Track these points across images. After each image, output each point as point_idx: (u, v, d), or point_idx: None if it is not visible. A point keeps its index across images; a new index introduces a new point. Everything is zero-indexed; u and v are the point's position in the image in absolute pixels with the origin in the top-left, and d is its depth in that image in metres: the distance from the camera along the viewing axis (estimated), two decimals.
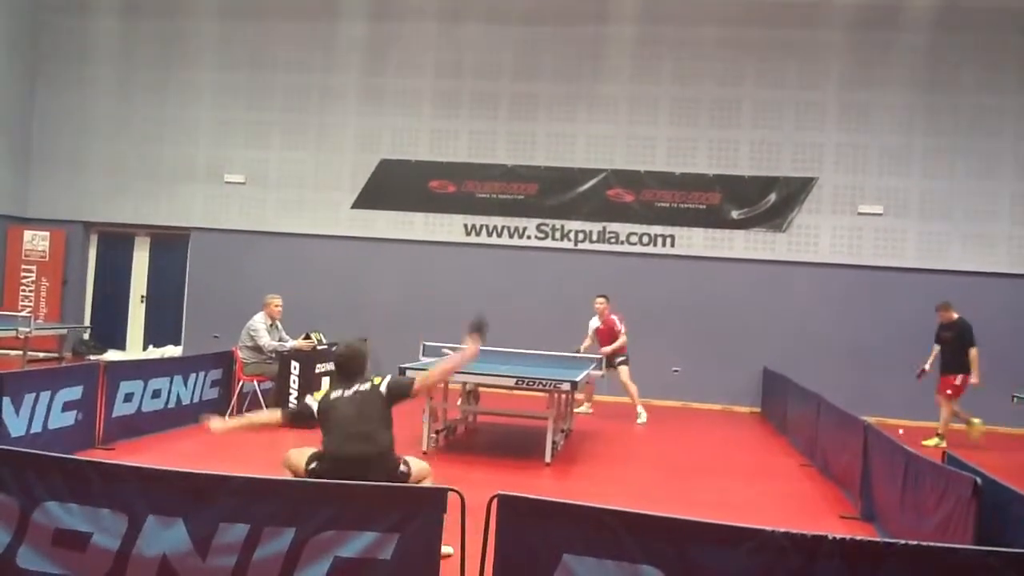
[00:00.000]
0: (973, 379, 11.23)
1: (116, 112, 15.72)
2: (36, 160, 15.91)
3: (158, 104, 15.61)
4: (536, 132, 14.69)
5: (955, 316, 11.51)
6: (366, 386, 5.49)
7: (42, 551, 4.04)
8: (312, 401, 5.60)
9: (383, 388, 5.46)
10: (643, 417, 11.95)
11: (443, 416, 9.55)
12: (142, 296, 16.09)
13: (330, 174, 15.13)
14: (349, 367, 5.63)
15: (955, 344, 11.32)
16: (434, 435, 8.95)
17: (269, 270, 14.68)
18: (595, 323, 12.29)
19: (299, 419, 5.70)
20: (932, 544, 3.73)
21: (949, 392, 11.38)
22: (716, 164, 14.27)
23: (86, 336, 15.48)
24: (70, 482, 4.08)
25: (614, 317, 12.13)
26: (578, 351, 11.88)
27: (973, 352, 11.23)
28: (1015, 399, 11.21)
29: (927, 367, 11.56)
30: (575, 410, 11.57)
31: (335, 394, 5.49)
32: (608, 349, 11.89)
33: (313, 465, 5.29)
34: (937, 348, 11.57)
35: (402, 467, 5.37)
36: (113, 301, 16.10)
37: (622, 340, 12.01)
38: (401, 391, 5.52)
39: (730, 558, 3.54)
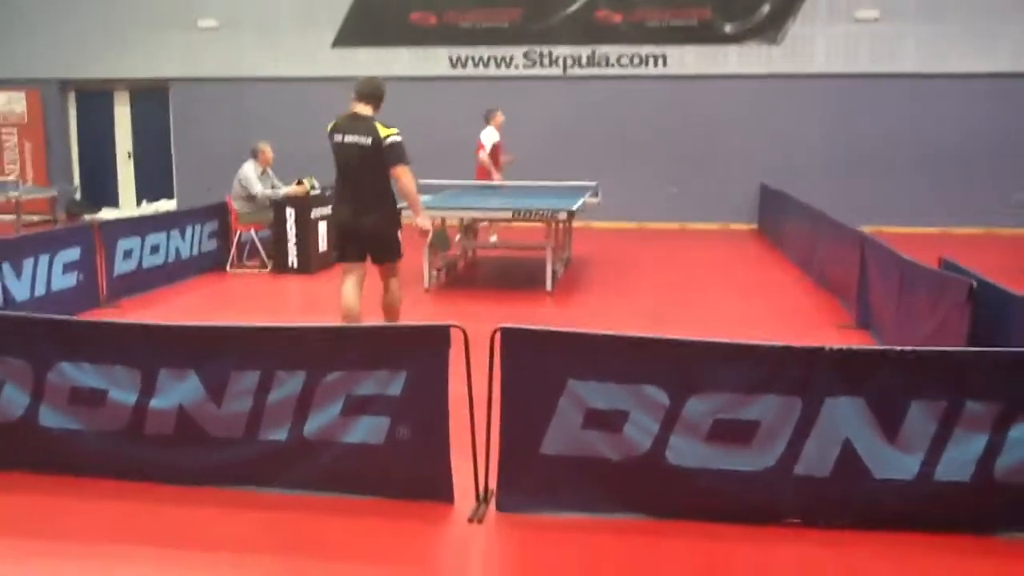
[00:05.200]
0: None
1: None
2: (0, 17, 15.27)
3: None
4: None
5: None
6: (367, 141, 5.66)
7: (61, 409, 4.15)
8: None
9: (385, 145, 5.63)
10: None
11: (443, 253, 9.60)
12: (128, 152, 15.83)
13: (307, 11, 14.54)
14: (358, 91, 5.85)
15: None
16: (435, 272, 9.02)
17: (254, 117, 14.39)
18: (496, 136, 11.24)
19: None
20: (927, 348, 3.82)
21: None
22: None
23: (77, 196, 15.36)
24: (80, 343, 4.14)
25: None
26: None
27: None
28: (1013, 199, 11.24)
29: None
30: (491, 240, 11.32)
31: (338, 136, 5.80)
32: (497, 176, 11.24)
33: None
34: None
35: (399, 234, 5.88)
36: (100, 159, 15.85)
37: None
38: (389, 160, 5.69)
39: (730, 374, 3.63)
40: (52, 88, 15.42)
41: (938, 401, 3.54)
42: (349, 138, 5.73)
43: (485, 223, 10.86)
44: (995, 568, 3.45)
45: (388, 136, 5.63)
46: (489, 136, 11.17)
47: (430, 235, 5.95)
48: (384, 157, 5.65)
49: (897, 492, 3.58)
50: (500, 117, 11.28)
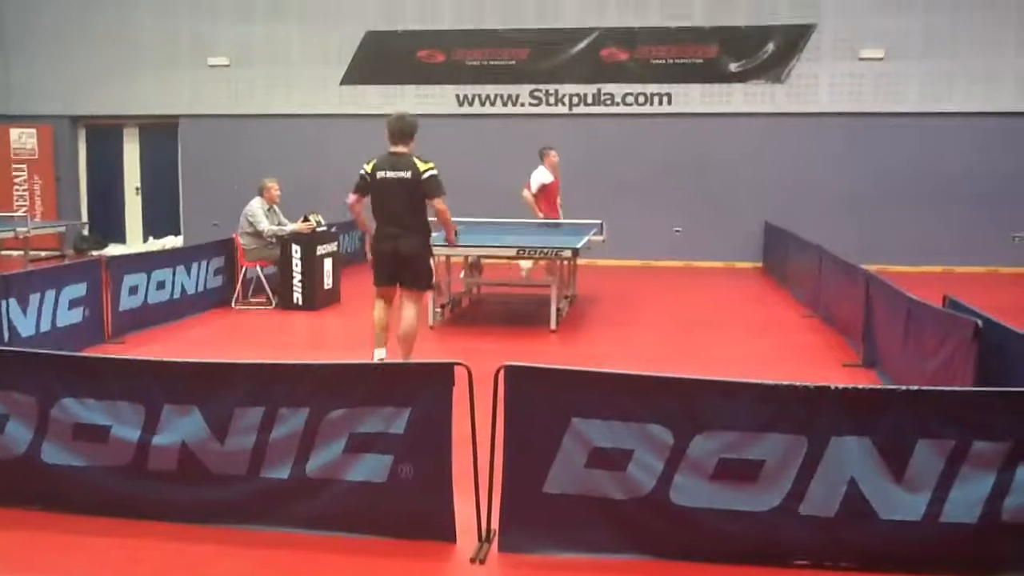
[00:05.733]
0: None
1: None
2: (13, 54, 15.47)
3: None
4: None
5: None
6: (407, 175, 6.29)
7: (64, 445, 4.13)
8: (364, 171, 6.46)
9: (423, 178, 6.30)
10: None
11: (447, 290, 9.62)
12: (136, 188, 15.96)
13: (316, 50, 14.73)
14: (395, 130, 6.40)
15: None
16: (439, 309, 9.03)
17: (262, 154, 14.50)
18: (546, 177, 10.72)
19: (365, 191, 6.50)
20: (933, 388, 3.80)
21: None
22: (712, 15, 13.82)
23: (85, 232, 15.45)
24: (84, 378, 4.14)
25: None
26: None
27: None
28: (1015, 239, 11.26)
29: None
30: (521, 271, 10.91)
31: (380, 173, 6.36)
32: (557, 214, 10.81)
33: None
34: None
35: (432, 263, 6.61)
36: (108, 195, 15.97)
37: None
38: (428, 192, 6.36)
39: (735, 413, 3.61)
40: (63, 124, 15.59)
41: (945, 441, 3.51)
42: (391, 174, 6.33)
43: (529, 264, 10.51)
44: None
45: (426, 170, 6.32)
46: (539, 176, 10.69)
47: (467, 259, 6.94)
48: (423, 189, 6.31)
49: (903, 533, 3.54)
50: (553, 156, 10.77)
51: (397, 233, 6.39)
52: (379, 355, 6.55)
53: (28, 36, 15.39)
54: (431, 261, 6.62)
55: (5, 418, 4.18)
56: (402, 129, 6.40)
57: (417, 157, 6.39)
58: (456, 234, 7.20)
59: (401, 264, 6.44)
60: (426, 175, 6.29)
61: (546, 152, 10.87)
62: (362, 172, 6.43)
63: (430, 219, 6.64)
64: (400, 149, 6.41)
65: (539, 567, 3.69)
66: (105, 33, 15.20)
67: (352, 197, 6.52)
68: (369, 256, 6.64)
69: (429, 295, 7.15)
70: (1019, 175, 13.19)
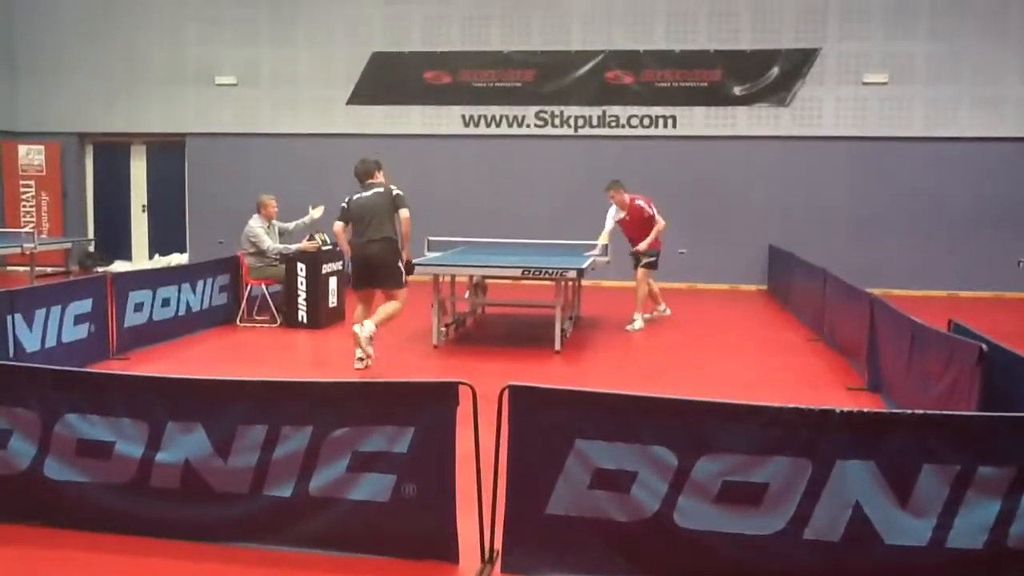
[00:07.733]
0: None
1: (99, 14, 15.31)
2: (23, 71, 15.59)
3: (141, 3, 15.19)
4: (531, 14, 14.28)
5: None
6: (381, 190, 7.65)
7: (67, 461, 4.13)
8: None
9: (393, 194, 7.64)
10: (638, 324, 10.09)
11: (452, 309, 9.62)
12: (143, 205, 16.02)
13: (322, 70, 14.82)
14: (361, 171, 7.83)
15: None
16: (443, 329, 9.03)
17: (268, 172, 14.56)
18: (616, 215, 10.26)
19: (346, 219, 7.73)
20: (938, 412, 3.79)
21: None
22: (717, 39, 13.89)
23: (91, 249, 15.50)
24: (88, 394, 4.14)
25: (640, 202, 10.24)
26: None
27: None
28: (1021, 263, 11.27)
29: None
30: (656, 314, 10.34)
31: (356, 197, 7.69)
32: (644, 245, 10.10)
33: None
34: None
35: (400, 264, 7.67)
36: (115, 212, 16.04)
37: (660, 226, 10.16)
38: (397, 203, 7.62)
39: (739, 435, 3.60)
40: (71, 141, 15.68)
41: (950, 466, 3.49)
42: (366, 194, 7.68)
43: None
44: None
45: (395, 189, 7.70)
46: (610, 214, 10.25)
47: (411, 269, 7.92)
48: (394, 201, 7.59)
49: (908, 558, 3.52)
50: (616, 194, 10.11)
51: (368, 241, 7.55)
52: (356, 329, 7.50)
53: (37, 53, 15.52)
54: (400, 264, 7.67)
55: (8, 433, 4.18)
56: (362, 169, 7.83)
57: (388, 183, 7.79)
58: (410, 264, 8.05)
59: (372, 267, 7.59)
60: (395, 192, 7.66)
61: (609, 188, 10.21)
62: (343, 205, 7.72)
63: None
64: (370, 181, 7.78)
65: None
66: (113, 51, 15.33)
67: (337, 225, 7.71)
68: (350, 269, 7.92)
69: (405, 294, 7.79)
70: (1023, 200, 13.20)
